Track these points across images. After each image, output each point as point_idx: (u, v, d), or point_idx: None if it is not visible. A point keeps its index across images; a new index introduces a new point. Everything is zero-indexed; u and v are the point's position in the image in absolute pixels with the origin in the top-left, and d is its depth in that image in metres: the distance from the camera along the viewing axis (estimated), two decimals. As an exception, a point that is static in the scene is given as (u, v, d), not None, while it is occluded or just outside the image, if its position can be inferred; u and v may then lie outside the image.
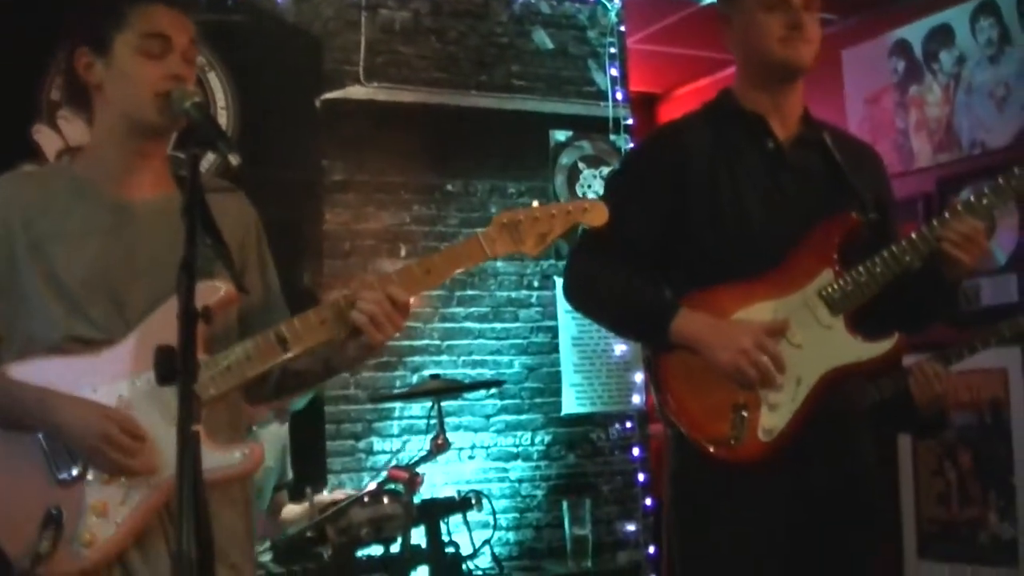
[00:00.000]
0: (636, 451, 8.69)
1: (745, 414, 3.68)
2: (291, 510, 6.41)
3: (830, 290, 3.77)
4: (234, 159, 3.00)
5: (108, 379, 3.28)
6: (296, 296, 3.83)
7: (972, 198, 3.80)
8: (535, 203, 3.50)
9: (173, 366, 2.63)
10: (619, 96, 9.03)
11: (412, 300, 3.39)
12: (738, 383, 3.67)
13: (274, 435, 6.54)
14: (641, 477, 8.68)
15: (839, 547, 3.83)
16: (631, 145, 8.94)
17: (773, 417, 3.70)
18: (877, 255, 3.76)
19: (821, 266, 3.78)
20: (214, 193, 3.20)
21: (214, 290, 3.27)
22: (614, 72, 9.05)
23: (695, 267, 3.87)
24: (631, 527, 8.62)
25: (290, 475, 6.74)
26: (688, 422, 3.76)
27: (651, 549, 8.54)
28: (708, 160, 3.90)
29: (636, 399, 8.72)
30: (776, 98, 3.97)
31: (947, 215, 3.78)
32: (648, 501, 8.64)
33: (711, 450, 3.72)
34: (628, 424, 8.73)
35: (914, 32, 8.71)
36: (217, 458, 3.05)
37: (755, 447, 3.69)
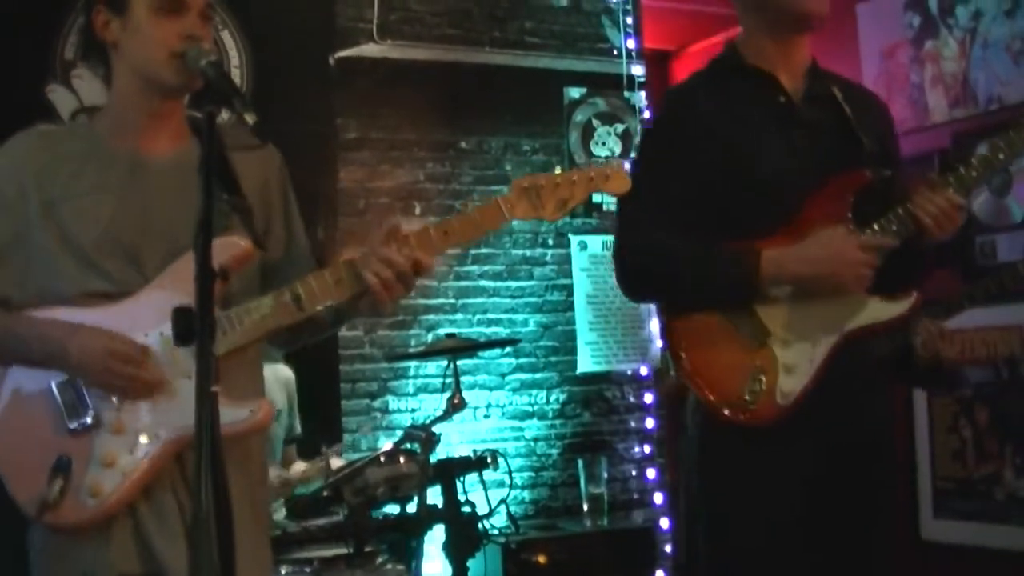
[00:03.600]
0: (651, 409, 8.67)
1: (763, 377, 3.67)
2: (301, 467, 6.41)
3: None
4: (250, 117, 3.00)
5: (123, 331, 3.29)
6: (314, 252, 3.81)
7: (988, 151, 3.78)
8: (557, 169, 3.48)
9: (191, 326, 2.62)
10: (633, 53, 8.98)
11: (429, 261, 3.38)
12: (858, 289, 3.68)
13: (281, 384, 6.53)
14: (656, 435, 8.67)
15: (863, 501, 3.82)
16: (644, 102, 8.92)
17: (791, 380, 3.69)
18: (892, 213, 3.74)
19: (835, 223, 3.74)
20: (237, 150, 3.20)
21: (232, 246, 3.26)
22: (628, 28, 9.00)
23: (711, 225, 3.83)
24: (647, 485, 8.61)
25: (298, 429, 6.73)
26: (704, 385, 3.75)
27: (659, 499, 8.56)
28: (722, 119, 3.87)
29: (652, 356, 8.69)
30: (787, 49, 3.94)
31: (960, 171, 3.77)
32: (662, 459, 8.64)
33: (727, 413, 3.71)
34: (643, 382, 8.71)
35: (930, -13, 8.66)
36: (227, 413, 3.05)
37: (772, 410, 3.69)
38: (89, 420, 3.25)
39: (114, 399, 3.27)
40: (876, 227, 3.73)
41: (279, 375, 6.48)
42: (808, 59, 4.01)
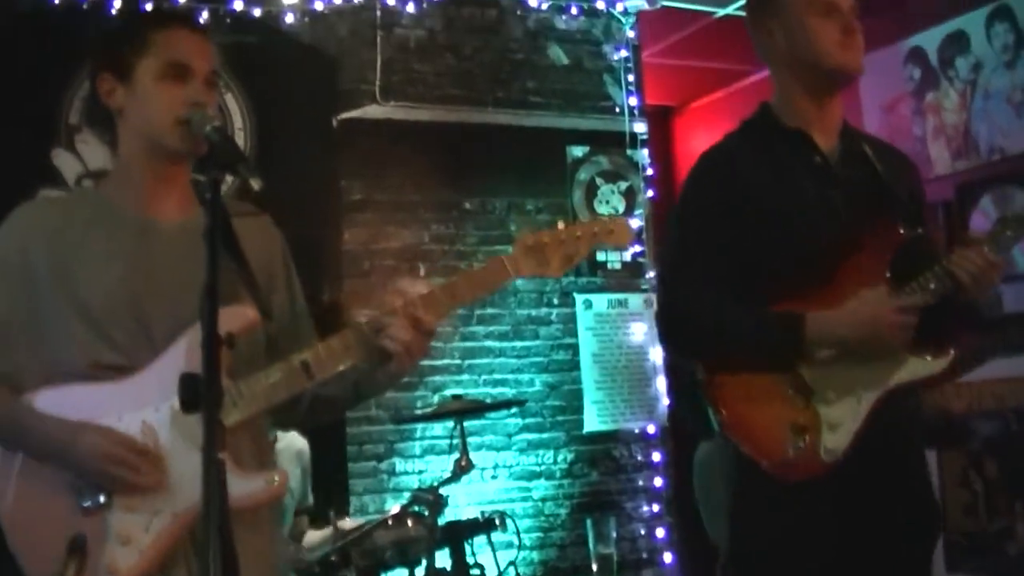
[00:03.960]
0: (660, 467, 8.64)
1: (807, 435, 3.67)
2: (313, 535, 6.39)
3: None
4: (256, 183, 2.97)
5: (133, 406, 3.27)
6: (319, 315, 3.81)
7: (996, 228, 3.81)
8: (560, 224, 3.47)
9: (197, 393, 2.61)
10: (635, 110, 9.00)
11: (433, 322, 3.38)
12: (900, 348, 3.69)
13: (295, 455, 6.51)
14: (665, 494, 8.63)
15: (907, 556, 3.82)
16: (647, 160, 8.94)
17: (834, 437, 3.67)
18: (930, 271, 3.74)
19: (873, 282, 3.74)
20: (239, 217, 3.19)
21: (238, 315, 3.24)
22: (630, 86, 9.03)
23: (751, 284, 3.82)
24: (656, 544, 8.58)
25: (310, 500, 6.70)
26: (747, 443, 3.74)
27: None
28: (760, 180, 3.87)
29: (659, 415, 8.67)
30: (821, 108, 3.96)
31: (995, 230, 3.80)
32: (672, 518, 8.61)
33: (771, 470, 3.70)
34: (651, 440, 8.69)
35: (929, 39, 8.69)
36: (241, 484, 3.02)
37: (816, 466, 3.67)
38: (102, 499, 3.22)
39: None
40: (915, 285, 3.74)
41: (293, 446, 6.46)
42: (841, 118, 4.04)
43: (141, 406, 3.27)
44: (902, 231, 3.80)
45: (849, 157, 3.96)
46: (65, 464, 3.23)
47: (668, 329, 3.96)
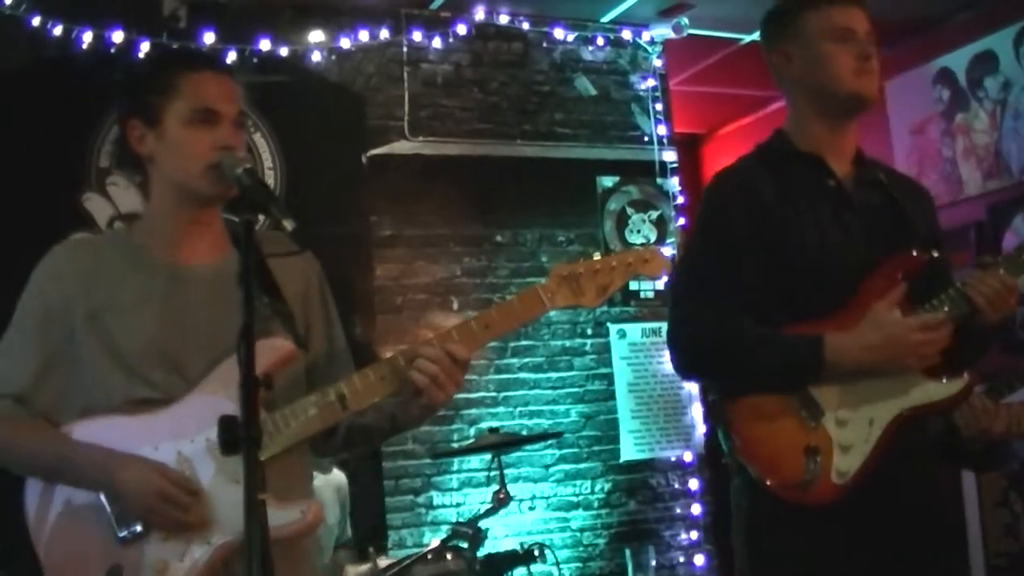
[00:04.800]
0: (697, 495, 8.63)
1: (819, 457, 3.64)
2: (353, 571, 6.39)
3: None
4: (288, 224, 2.98)
5: (168, 437, 3.28)
6: (352, 351, 3.81)
7: (1013, 251, 3.78)
8: (595, 255, 3.46)
9: (236, 435, 2.62)
10: (664, 139, 9.01)
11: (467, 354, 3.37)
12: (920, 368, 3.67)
13: (334, 490, 6.51)
14: (703, 522, 8.61)
15: None
16: (677, 188, 8.94)
17: (847, 459, 3.64)
18: (944, 294, 3.71)
19: (889, 306, 3.71)
20: (276, 255, 3.21)
21: (274, 348, 3.26)
22: (658, 115, 9.04)
23: (766, 307, 3.80)
24: (695, 572, 8.55)
25: (349, 533, 6.71)
26: (759, 466, 3.71)
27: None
28: (774, 203, 3.84)
29: (695, 442, 8.66)
30: (835, 135, 3.93)
31: (1011, 254, 3.77)
32: (711, 546, 8.58)
33: (784, 494, 3.66)
34: (688, 468, 8.67)
35: (957, 59, 8.69)
36: (277, 515, 3.02)
37: (829, 490, 3.63)
38: (139, 528, 3.24)
39: None
40: (928, 308, 3.71)
41: (332, 481, 6.47)
42: (855, 145, 4.01)
43: (176, 437, 3.28)
44: (916, 254, 3.78)
45: (863, 183, 3.94)
46: (108, 493, 3.24)
47: (681, 352, 3.92)
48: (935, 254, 3.82)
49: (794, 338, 3.73)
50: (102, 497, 3.26)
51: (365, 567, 6.26)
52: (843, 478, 3.63)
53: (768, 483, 3.68)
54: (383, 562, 6.20)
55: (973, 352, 3.87)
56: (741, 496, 3.89)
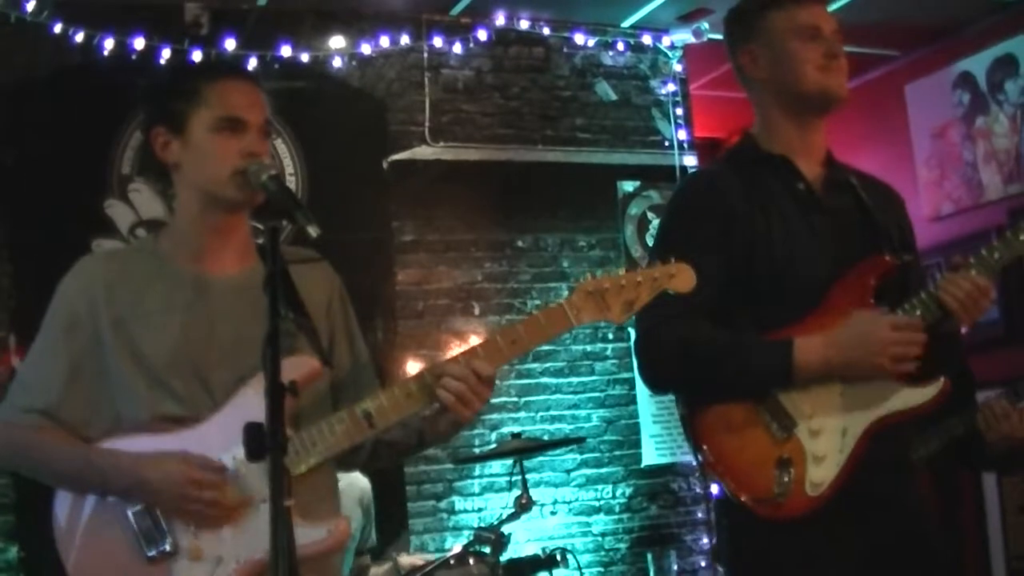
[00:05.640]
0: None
1: (792, 469, 3.58)
2: (374, 572, 6.40)
3: None
4: (313, 230, 2.99)
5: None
6: (374, 356, 3.81)
7: (1010, 232, 3.72)
8: (621, 270, 3.43)
9: (263, 442, 2.63)
10: (685, 143, 9.01)
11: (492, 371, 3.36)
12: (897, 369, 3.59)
13: (357, 497, 6.52)
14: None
15: None
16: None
17: (820, 471, 3.58)
18: (915, 298, 3.66)
19: (860, 308, 3.66)
20: (297, 264, 3.22)
21: (301, 364, 3.26)
22: (679, 119, 9.04)
23: (735, 314, 3.75)
24: (717, 576, 8.56)
25: (374, 539, 6.71)
26: (731, 479, 3.65)
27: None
28: (743, 207, 3.79)
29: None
30: (804, 135, 3.89)
31: (982, 253, 3.70)
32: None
33: (757, 508, 3.60)
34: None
35: (977, 63, 8.67)
36: (304, 533, 3.02)
37: (802, 502, 3.58)
38: (167, 547, 3.24)
39: (191, 526, 3.25)
40: (900, 312, 3.65)
41: (355, 487, 6.47)
42: (825, 146, 3.96)
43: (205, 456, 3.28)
44: (888, 258, 3.73)
45: (833, 185, 3.90)
46: (143, 493, 3.25)
47: (649, 362, 3.85)
48: (906, 258, 3.78)
49: (763, 342, 3.68)
50: (129, 515, 3.27)
51: (386, 566, 6.28)
52: (817, 490, 3.57)
53: (741, 498, 3.63)
54: (405, 559, 6.21)
55: (948, 356, 3.82)
56: (720, 512, 3.87)
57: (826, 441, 3.61)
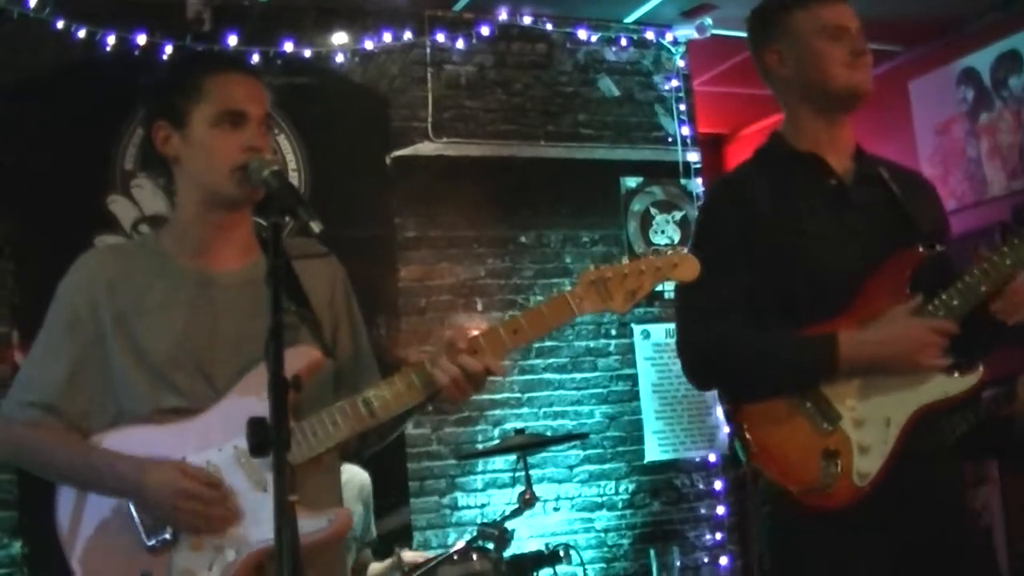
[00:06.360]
0: (721, 496, 8.62)
1: (838, 460, 3.63)
2: (376, 568, 6.39)
3: None
4: (315, 226, 2.98)
5: (196, 446, 3.28)
6: (376, 352, 3.81)
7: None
8: (624, 259, 3.44)
9: (266, 437, 2.62)
10: (688, 139, 9.01)
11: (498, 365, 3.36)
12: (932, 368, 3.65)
13: (356, 491, 6.51)
14: (728, 522, 8.61)
15: None
16: (701, 188, 8.93)
17: (866, 461, 3.62)
18: (952, 287, 3.70)
19: (894, 302, 3.71)
20: (302, 258, 3.22)
21: (302, 355, 3.26)
22: (682, 115, 9.04)
23: (772, 312, 3.77)
24: (719, 572, 8.54)
25: (374, 533, 6.70)
26: (777, 471, 3.69)
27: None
28: (775, 206, 3.83)
29: (719, 443, 8.65)
30: (833, 130, 3.93)
31: (1015, 242, 3.73)
32: (735, 546, 8.58)
33: (804, 499, 3.64)
34: (712, 469, 8.67)
35: (981, 59, 8.66)
36: (305, 523, 3.02)
37: (850, 492, 3.62)
38: (167, 536, 3.24)
39: None
40: (937, 303, 3.70)
41: (355, 481, 6.46)
42: (853, 141, 3.99)
43: (205, 446, 3.28)
44: (920, 249, 3.77)
45: (864, 179, 3.92)
46: (138, 502, 3.25)
47: (690, 360, 3.90)
48: (939, 248, 3.80)
49: (806, 337, 3.71)
50: (131, 506, 3.27)
51: (387, 562, 6.27)
52: (864, 480, 3.61)
53: (788, 489, 3.66)
54: (408, 556, 6.21)
55: (986, 344, 3.85)
56: (762, 501, 3.87)
57: (871, 431, 3.66)
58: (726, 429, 8.47)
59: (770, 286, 3.77)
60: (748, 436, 3.73)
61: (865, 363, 3.65)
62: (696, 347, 3.86)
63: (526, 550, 6.73)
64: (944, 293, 3.70)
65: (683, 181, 8.96)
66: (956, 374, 3.70)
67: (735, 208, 3.88)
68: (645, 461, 8.54)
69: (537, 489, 6.36)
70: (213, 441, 3.28)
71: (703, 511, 8.67)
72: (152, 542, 3.24)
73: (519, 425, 7.49)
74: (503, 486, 7.90)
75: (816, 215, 3.82)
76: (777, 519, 3.82)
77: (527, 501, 6.12)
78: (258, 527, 3.19)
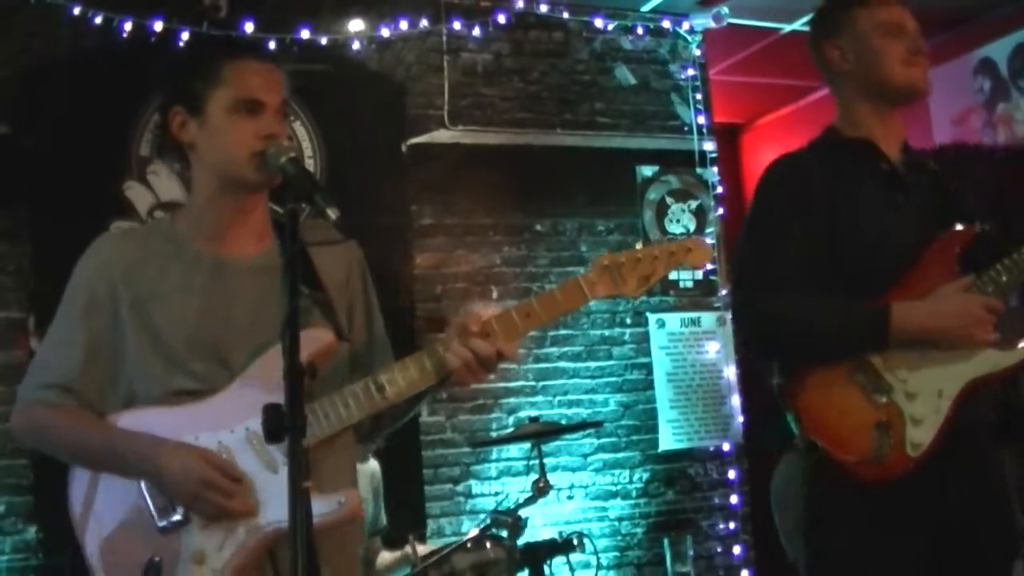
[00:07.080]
0: (735, 485, 8.62)
1: (891, 431, 3.69)
2: (386, 556, 6.39)
3: None
4: (332, 213, 2.99)
5: (209, 427, 3.30)
6: (391, 340, 3.82)
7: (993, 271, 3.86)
8: (639, 245, 3.46)
9: (282, 424, 2.63)
10: (704, 128, 9.00)
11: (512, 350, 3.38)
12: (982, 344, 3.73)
13: (367, 478, 6.51)
14: (741, 512, 8.61)
15: (986, 562, 3.82)
16: (717, 177, 8.93)
17: (919, 432, 3.69)
18: (1000, 263, 3.81)
19: (944, 278, 3.79)
20: (320, 244, 3.23)
21: (316, 339, 3.28)
22: (698, 104, 9.03)
23: (826, 287, 3.84)
24: (733, 562, 8.55)
25: (384, 521, 6.70)
26: (832, 443, 3.74)
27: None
28: (832, 185, 3.90)
29: (733, 432, 8.65)
30: (885, 124, 4.03)
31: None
32: (748, 535, 8.58)
33: (859, 469, 3.70)
34: (726, 458, 8.67)
35: (998, 49, 8.64)
36: (315, 505, 3.03)
37: (904, 462, 3.68)
38: (178, 516, 3.26)
39: None
40: (986, 278, 3.80)
41: (364, 469, 6.46)
42: (903, 133, 4.10)
43: (217, 427, 3.30)
44: (968, 227, 3.86)
45: (913, 167, 4.03)
46: (158, 482, 3.27)
47: (752, 330, 3.97)
48: (986, 227, 3.89)
49: (861, 306, 3.79)
50: (142, 487, 3.29)
51: (398, 552, 6.28)
52: (917, 450, 3.69)
53: (843, 459, 3.71)
54: (422, 549, 6.21)
55: None
56: (805, 476, 3.90)
57: (923, 403, 3.74)
58: (740, 418, 8.51)
59: (824, 261, 3.85)
60: (801, 410, 3.80)
61: (917, 334, 3.73)
62: (756, 317, 3.92)
63: (540, 538, 6.72)
64: (992, 269, 3.81)
65: (699, 170, 8.96)
66: (1002, 349, 3.78)
67: (793, 183, 3.97)
68: (659, 450, 8.54)
69: (551, 477, 6.36)
70: (225, 423, 3.31)
71: (717, 500, 8.67)
72: (163, 523, 3.27)
73: (533, 413, 7.49)
74: (517, 474, 7.91)
75: (870, 195, 3.92)
76: (817, 504, 3.87)
77: (541, 489, 6.12)
78: (269, 508, 3.22)
